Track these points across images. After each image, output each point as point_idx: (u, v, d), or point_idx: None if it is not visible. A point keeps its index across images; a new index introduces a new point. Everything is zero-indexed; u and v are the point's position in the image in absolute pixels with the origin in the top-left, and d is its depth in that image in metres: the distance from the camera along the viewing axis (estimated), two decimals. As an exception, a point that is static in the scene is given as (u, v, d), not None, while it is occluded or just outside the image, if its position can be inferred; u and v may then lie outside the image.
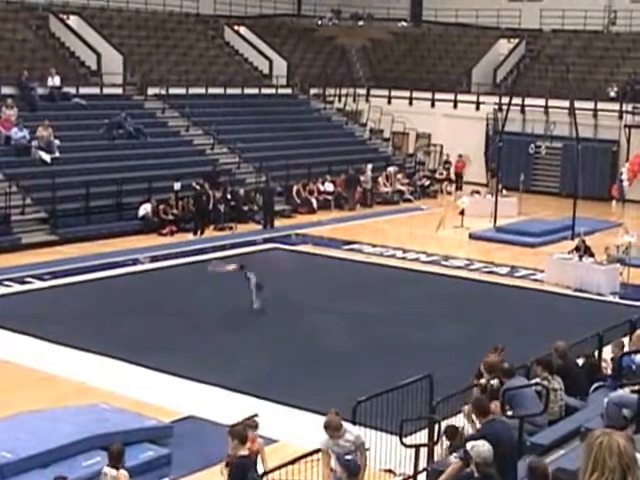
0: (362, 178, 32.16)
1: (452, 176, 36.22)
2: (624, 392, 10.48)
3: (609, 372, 12.36)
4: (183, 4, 38.75)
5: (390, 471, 11.15)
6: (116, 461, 9.43)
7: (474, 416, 9.33)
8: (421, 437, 10.97)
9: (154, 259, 23.02)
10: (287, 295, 19.83)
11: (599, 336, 13.11)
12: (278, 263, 24.09)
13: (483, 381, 10.84)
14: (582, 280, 21.31)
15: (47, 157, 26.41)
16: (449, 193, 35.18)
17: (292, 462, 9.50)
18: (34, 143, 26.45)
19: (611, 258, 22.01)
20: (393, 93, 39.28)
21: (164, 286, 20.61)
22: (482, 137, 37.16)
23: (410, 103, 38.93)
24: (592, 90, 35.48)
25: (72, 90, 30.35)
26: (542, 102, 35.88)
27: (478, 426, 8.98)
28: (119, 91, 32.46)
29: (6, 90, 28.46)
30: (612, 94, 35.58)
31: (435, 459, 10.53)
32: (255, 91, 36.53)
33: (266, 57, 39.04)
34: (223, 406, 13.35)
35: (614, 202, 33.48)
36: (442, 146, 37.80)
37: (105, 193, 26.09)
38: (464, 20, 41.82)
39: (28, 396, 13.53)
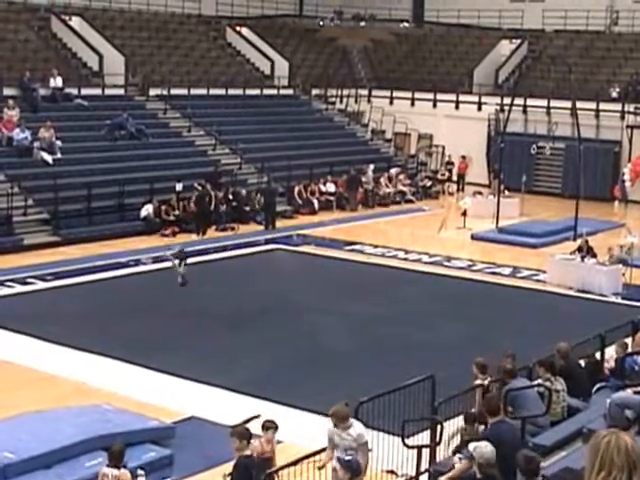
0: (364, 179, 32.14)
1: (454, 177, 36.23)
2: (627, 393, 10.49)
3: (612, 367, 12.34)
4: (185, 5, 38.80)
5: (392, 472, 11.13)
6: (117, 460, 9.44)
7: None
8: (423, 438, 10.97)
9: (156, 260, 23.02)
10: (288, 295, 19.86)
11: (601, 337, 13.10)
12: (280, 264, 24.10)
13: (483, 382, 10.84)
14: (584, 281, 21.28)
15: (49, 158, 26.41)
16: (451, 194, 35.18)
17: (294, 463, 9.48)
18: (36, 144, 26.44)
19: (614, 259, 21.98)
20: (395, 94, 39.26)
21: (166, 287, 20.59)
22: (484, 138, 37.12)
23: (412, 104, 38.92)
24: (594, 91, 35.45)
25: (74, 91, 30.36)
26: (544, 103, 35.87)
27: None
28: (121, 92, 32.47)
29: (8, 91, 28.47)
30: (614, 94, 35.53)
31: (437, 460, 10.52)
32: (257, 92, 36.54)
33: (268, 58, 39.04)
34: (225, 407, 13.33)
35: (616, 203, 33.50)
36: (444, 147, 37.81)
37: (107, 194, 26.11)
38: (466, 21, 41.84)
39: (30, 396, 13.53)
